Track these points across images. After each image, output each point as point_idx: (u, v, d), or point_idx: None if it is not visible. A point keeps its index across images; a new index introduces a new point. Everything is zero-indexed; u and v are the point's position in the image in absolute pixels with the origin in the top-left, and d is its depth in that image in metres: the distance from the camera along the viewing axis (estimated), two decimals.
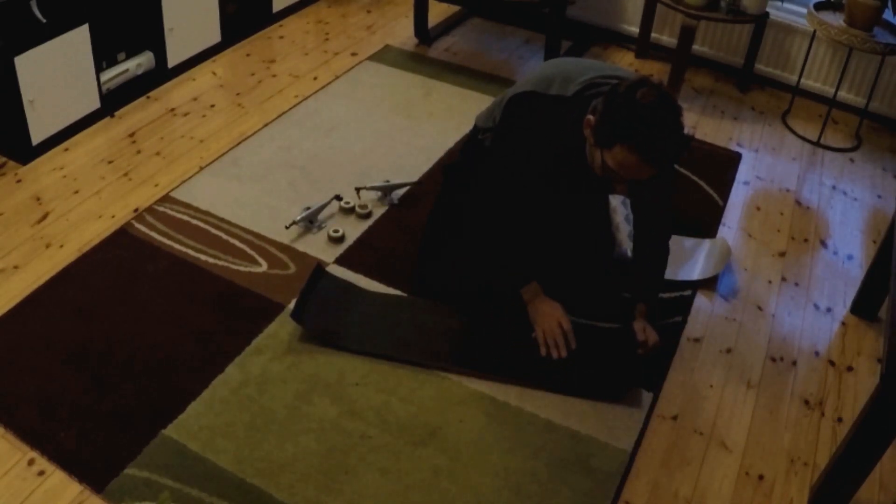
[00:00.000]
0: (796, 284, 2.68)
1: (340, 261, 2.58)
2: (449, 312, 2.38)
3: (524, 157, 2.14)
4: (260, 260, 2.55)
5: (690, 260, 2.67)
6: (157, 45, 3.38)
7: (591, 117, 1.99)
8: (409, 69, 3.71)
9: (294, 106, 3.37)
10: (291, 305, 2.37)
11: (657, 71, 3.92)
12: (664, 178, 2.25)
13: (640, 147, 1.90)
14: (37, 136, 2.93)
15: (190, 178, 2.90)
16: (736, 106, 3.70)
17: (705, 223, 2.89)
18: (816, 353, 2.43)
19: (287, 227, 2.69)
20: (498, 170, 2.20)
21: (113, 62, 3.24)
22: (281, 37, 3.95)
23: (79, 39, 2.97)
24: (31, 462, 1.90)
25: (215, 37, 3.69)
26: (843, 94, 3.68)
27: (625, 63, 3.96)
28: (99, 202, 2.76)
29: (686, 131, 1.97)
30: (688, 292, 2.57)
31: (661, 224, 2.30)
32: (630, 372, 2.22)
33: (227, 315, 2.33)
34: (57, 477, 1.87)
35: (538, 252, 2.37)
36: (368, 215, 2.78)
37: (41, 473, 1.88)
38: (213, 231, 2.65)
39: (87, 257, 2.51)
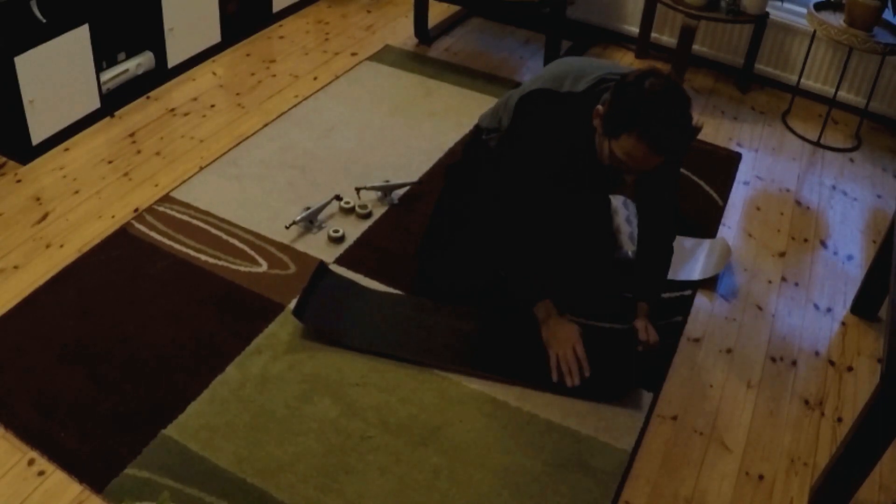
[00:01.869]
0: (796, 284, 2.68)
1: (340, 261, 2.58)
2: (450, 312, 2.38)
3: (538, 156, 2.14)
4: (260, 260, 2.55)
5: (691, 260, 2.67)
6: (157, 45, 3.38)
7: (600, 107, 1.99)
8: (409, 69, 3.71)
9: (294, 106, 3.37)
10: (292, 305, 2.37)
11: None
12: (669, 175, 2.24)
13: (647, 135, 1.89)
14: (37, 136, 2.93)
15: (190, 178, 2.90)
16: (736, 106, 3.70)
17: (705, 223, 2.89)
18: (816, 353, 2.42)
19: (287, 227, 2.69)
20: (513, 170, 2.18)
21: (113, 62, 3.24)
22: (281, 37, 3.95)
23: (79, 39, 2.97)
24: (31, 462, 1.90)
25: (215, 37, 3.69)
26: (843, 94, 3.68)
27: (625, 63, 3.96)
28: (99, 202, 2.76)
29: (694, 122, 1.98)
30: (688, 292, 2.57)
31: (665, 223, 2.30)
32: (630, 372, 2.22)
33: (227, 315, 2.33)
34: (57, 477, 1.87)
35: (548, 256, 2.36)
36: (368, 215, 2.78)
37: (41, 473, 1.88)
38: (213, 231, 2.65)
39: (87, 257, 2.51)
